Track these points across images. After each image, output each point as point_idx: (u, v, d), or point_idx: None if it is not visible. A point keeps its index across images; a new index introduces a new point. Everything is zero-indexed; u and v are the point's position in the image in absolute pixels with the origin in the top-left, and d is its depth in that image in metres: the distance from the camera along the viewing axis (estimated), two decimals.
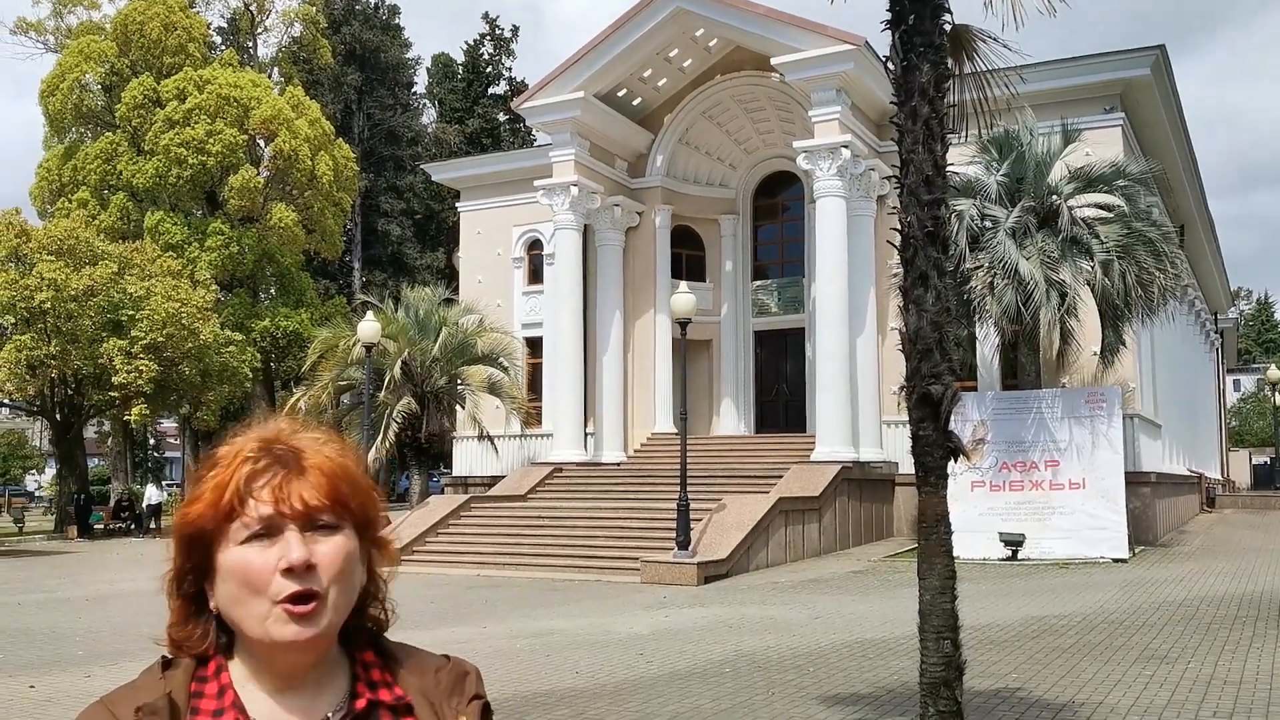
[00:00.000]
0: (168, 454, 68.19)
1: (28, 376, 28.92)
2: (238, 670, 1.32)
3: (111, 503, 37.18)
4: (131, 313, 29.48)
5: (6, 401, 32.71)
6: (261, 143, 41.80)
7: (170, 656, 1.34)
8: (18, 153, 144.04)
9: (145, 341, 29.17)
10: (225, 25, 51.27)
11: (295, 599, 1.24)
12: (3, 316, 28.86)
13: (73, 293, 28.37)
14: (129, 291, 29.69)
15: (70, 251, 29.62)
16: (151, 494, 34.19)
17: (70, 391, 32.40)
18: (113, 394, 30.43)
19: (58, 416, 33.18)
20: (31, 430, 70.38)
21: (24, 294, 27.98)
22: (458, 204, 35.09)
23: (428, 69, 61.46)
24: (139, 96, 39.37)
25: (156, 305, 29.57)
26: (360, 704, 1.33)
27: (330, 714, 1.32)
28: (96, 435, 53.69)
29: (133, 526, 33.56)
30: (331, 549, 1.27)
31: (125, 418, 34.47)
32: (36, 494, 61.36)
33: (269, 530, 1.26)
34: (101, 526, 33.42)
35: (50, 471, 60.71)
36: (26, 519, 38.43)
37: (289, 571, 1.24)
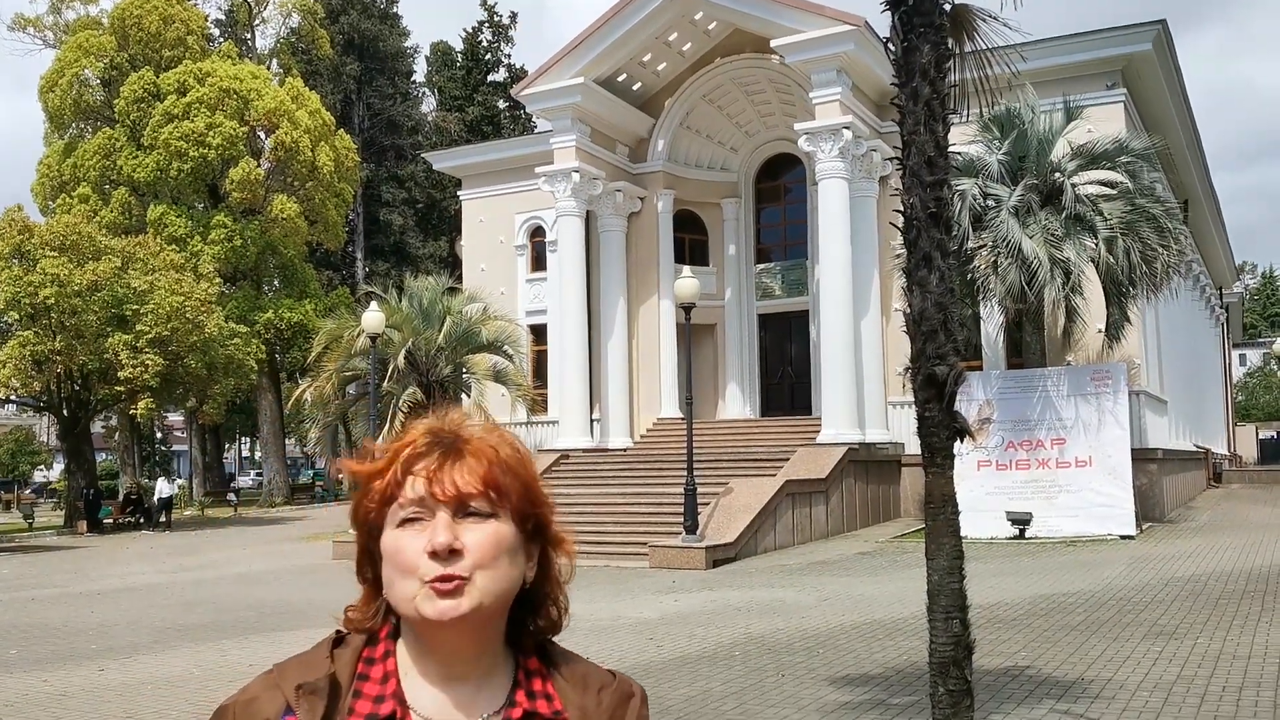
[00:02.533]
0: (175, 447, 68.39)
1: (33, 372, 29.02)
2: (403, 657, 1.33)
3: (120, 497, 37.32)
4: (136, 307, 29.53)
5: (13, 397, 32.78)
6: (262, 135, 41.79)
7: (344, 631, 1.36)
8: (18, 149, 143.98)
9: (150, 335, 29.23)
10: (223, 17, 51.22)
11: (440, 579, 1.24)
12: (7, 313, 28.92)
13: (76, 288, 28.42)
14: (133, 286, 29.73)
15: (73, 247, 29.66)
16: (162, 487, 34.29)
17: (76, 387, 32.48)
18: (119, 388, 30.51)
19: (64, 412, 33.28)
20: (39, 425, 70.59)
21: (28, 290, 28.04)
22: (459, 192, 35.06)
23: (427, 57, 61.37)
24: (138, 90, 39.35)
25: (160, 299, 29.62)
26: (516, 713, 1.31)
27: (486, 715, 1.31)
28: (104, 430, 53.86)
29: (142, 520, 33.66)
30: (481, 535, 1.27)
31: (132, 412, 34.60)
32: (48, 487, 61.51)
33: (422, 513, 1.27)
34: (111, 521, 33.53)
35: (58, 467, 60.92)
36: (36, 514, 38.57)
37: (434, 555, 1.24)
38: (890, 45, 6.15)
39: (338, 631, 1.36)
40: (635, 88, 28.95)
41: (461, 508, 1.27)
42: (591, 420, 27.98)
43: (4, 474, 62.96)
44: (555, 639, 1.41)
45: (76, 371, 30.83)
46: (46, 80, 41.43)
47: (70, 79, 40.65)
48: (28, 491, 57.63)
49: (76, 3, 46.84)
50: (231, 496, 43.26)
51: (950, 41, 6.26)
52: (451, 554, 1.25)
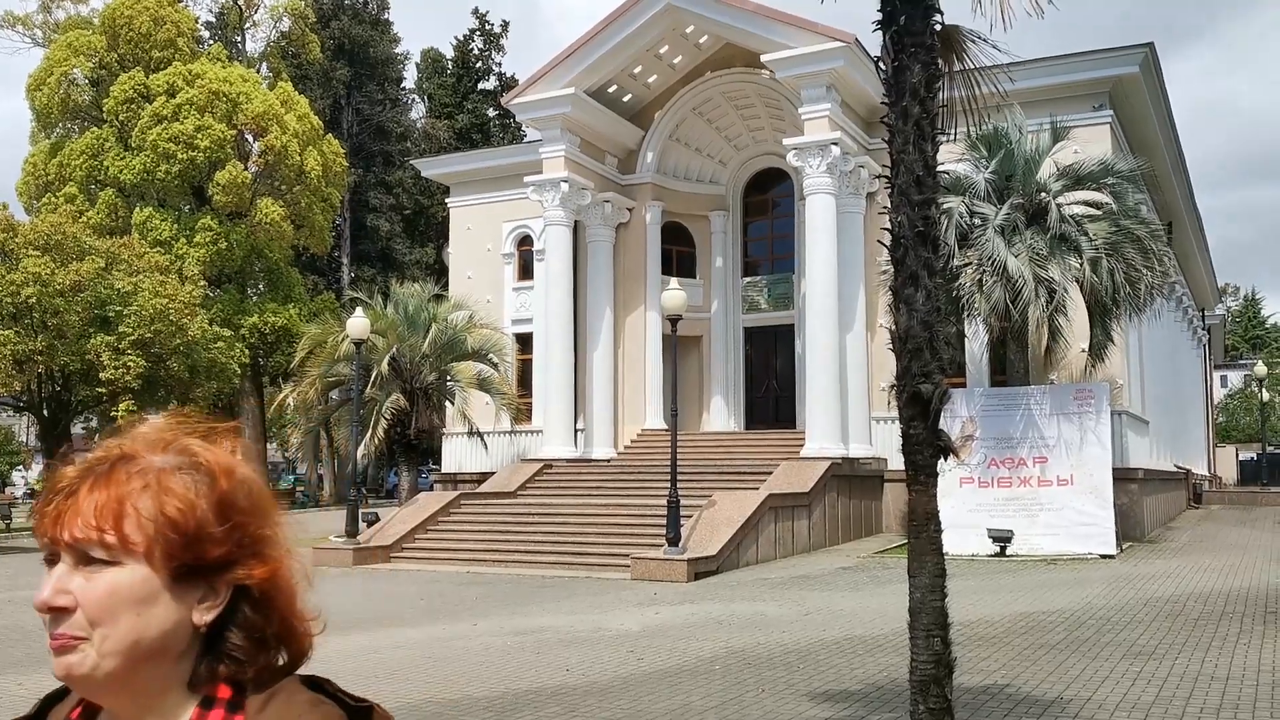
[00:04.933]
0: None
1: (14, 372, 28.78)
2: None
3: None
4: (119, 308, 29.34)
5: None
6: (250, 138, 41.66)
7: (58, 691, 1.25)
8: (3, 147, 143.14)
9: (133, 337, 29.03)
10: (213, 20, 51.11)
11: (53, 638, 1.12)
12: None
13: (59, 288, 28.22)
14: (116, 287, 29.55)
15: (57, 247, 29.45)
16: None
17: (58, 387, 32.23)
18: (100, 390, 30.28)
19: (45, 412, 33.01)
20: (18, 426, 70.03)
21: (10, 289, 27.82)
22: (447, 200, 35.03)
23: (417, 64, 61.41)
24: (128, 91, 39.19)
25: (144, 301, 29.44)
26: None
27: None
28: (84, 431, 53.48)
29: None
30: (94, 588, 1.11)
31: (113, 414, 34.27)
32: (26, 491, 60.97)
33: (52, 557, 1.15)
34: None
35: (37, 468, 60.43)
36: (14, 516, 38.22)
37: (40, 609, 1.12)
38: (881, 64, 6.19)
39: (63, 686, 1.22)
40: (625, 99, 29.01)
41: (82, 555, 1.12)
42: (576, 430, 27.96)
43: None
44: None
45: (58, 372, 30.59)
46: (34, 79, 41.21)
47: (59, 78, 40.45)
48: (7, 490, 57.10)
49: (67, 2, 46.70)
50: None
51: (940, 62, 6.30)
52: (59, 612, 1.11)
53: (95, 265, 29.24)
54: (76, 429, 41.73)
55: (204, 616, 1.16)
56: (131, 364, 28.85)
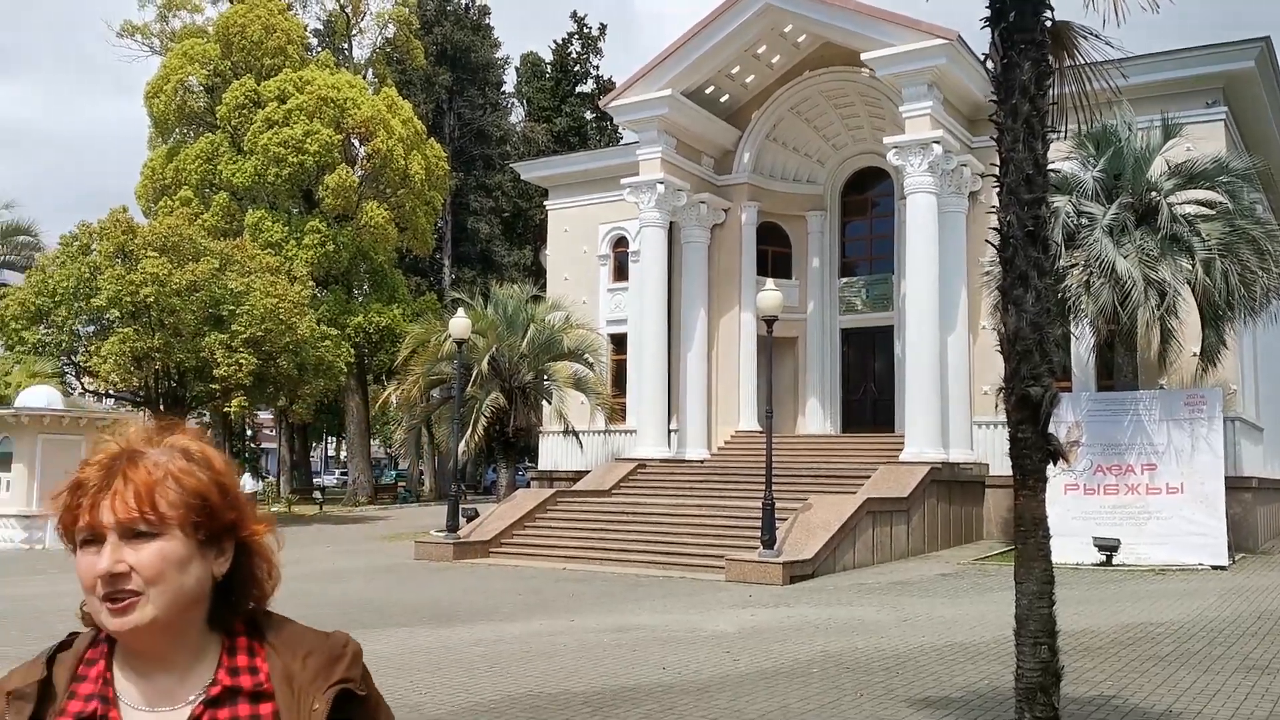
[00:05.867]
0: (264, 445, 70.03)
1: (132, 369, 30.03)
2: (119, 656, 1.47)
3: None
4: (232, 308, 30.40)
5: (112, 392, 33.93)
6: (356, 142, 42.73)
7: (65, 639, 1.51)
8: (123, 153, 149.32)
9: (245, 336, 30.05)
10: (321, 27, 52.48)
11: (111, 599, 1.39)
12: (109, 310, 29.96)
13: (176, 288, 29.36)
14: (229, 287, 30.62)
15: (174, 248, 30.65)
16: (247, 483, 35.19)
17: (173, 384, 33.52)
18: (213, 386, 31.42)
19: (161, 407, 34.34)
20: (134, 420, 72.80)
21: (130, 289, 29.05)
22: (545, 202, 35.46)
23: (516, 68, 62.17)
24: (240, 97, 40.52)
25: (256, 301, 30.45)
26: (215, 690, 1.44)
27: (191, 698, 1.43)
28: (197, 426, 55.34)
29: None
30: (146, 555, 1.39)
31: (225, 410, 35.52)
32: None
33: (94, 538, 1.41)
34: None
35: None
36: None
37: (103, 577, 1.39)
38: (990, 62, 6.11)
39: (58, 643, 1.51)
40: (722, 99, 29.00)
41: (127, 531, 1.40)
42: (669, 430, 28.04)
43: None
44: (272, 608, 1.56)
45: (174, 369, 31.82)
46: (152, 86, 42.86)
47: (175, 85, 42.01)
48: None
49: (183, 11, 48.42)
50: (317, 495, 44.21)
51: (1050, 58, 6.19)
52: (120, 576, 1.38)
53: (210, 266, 30.33)
54: (190, 424, 43.27)
55: (220, 569, 1.48)
56: (243, 361, 29.85)
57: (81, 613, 1.48)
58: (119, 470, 1.43)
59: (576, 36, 61.14)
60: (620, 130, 34.34)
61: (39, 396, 25.86)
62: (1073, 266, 19.95)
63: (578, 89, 60.98)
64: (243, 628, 1.51)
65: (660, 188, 27.25)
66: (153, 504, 1.40)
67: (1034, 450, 5.64)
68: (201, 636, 1.47)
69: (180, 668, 1.45)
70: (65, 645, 1.50)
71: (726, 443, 28.63)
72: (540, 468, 32.57)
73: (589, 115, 59.26)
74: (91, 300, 29.54)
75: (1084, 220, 20.63)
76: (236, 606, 1.51)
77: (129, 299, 29.13)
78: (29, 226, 35.12)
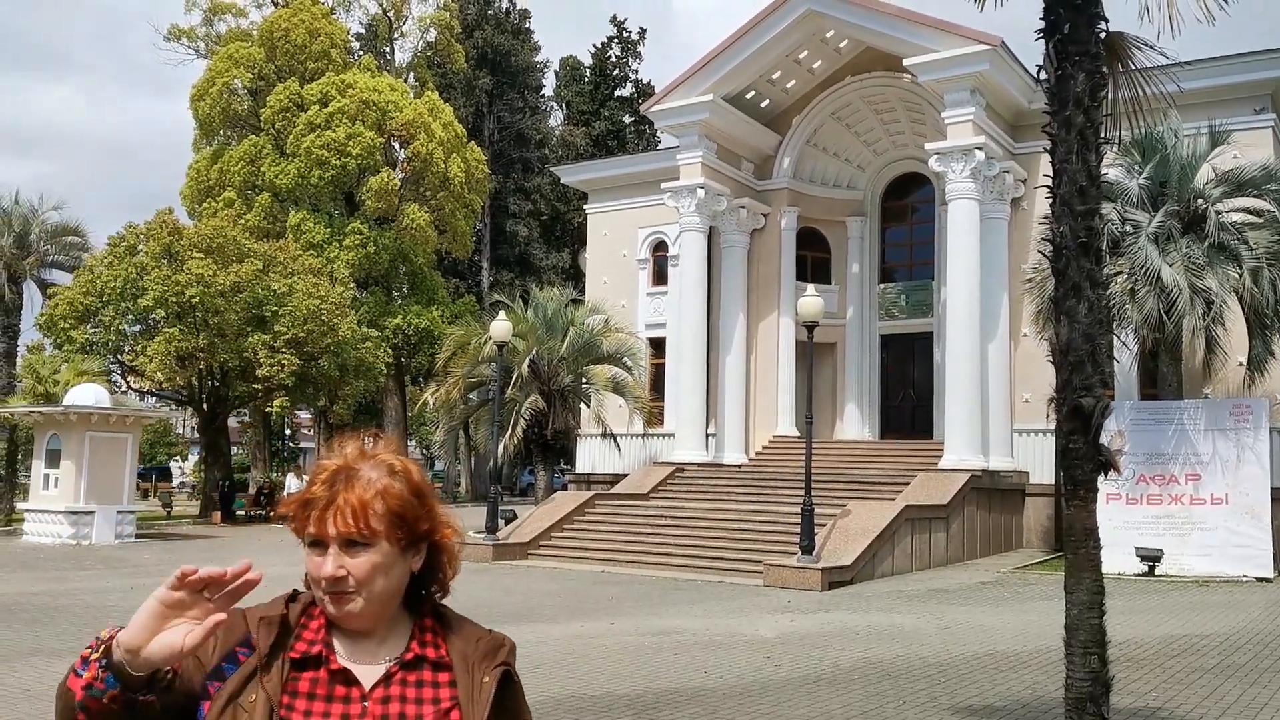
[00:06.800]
0: (303, 444, 70.74)
1: (177, 368, 30.47)
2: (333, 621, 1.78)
3: (252, 490, 38.85)
4: (274, 308, 30.76)
5: (157, 391, 34.44)
6: (397, 145, 43.10)
7: (299, 591, 1.82)
8: (168, 154, 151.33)
9: (287, 336, 30.40)
10: (364, 31, 52.94)
11: (333, 594, 1.71)
12: (156, 310, 30.42)
13: (220, 288, 29.76)
14: (272, 288, 31.00)
15: (219, 249, 31.06)
16: (291, 484, 35.59)
17: (216, 383, 33.98)
18: (256, 386, 31.82)
19: (204, 406, 34.83)
20: (178, 419, 73.80)
21: (175, 289, 29.48)
22: (584, 205, 35.61)
23: (556, 72, 62.38)
24: (283, 100, 40.98)
25: (298, 302, 30.81)
26: (408, 655, 1.77)
27: (389, 659, 1.76)
28: (238, 425, 56.10)
29: (272, 514, 35.01)
30: (361, 564, 1.71)
31: (267, 409, 35.93)
32: (181, 481, 64.16)
33: (319, 543, 1.72)
34: (243, 513, 34.94)
35: (193, 458, 63.59)
36: (174, 504, 40.42)
37: (327, 579, 1.70)
38: (1043, 73, 6.11)
39: (294, 590, 1.82)
40: (763, 104, 29.01)
41: (345, 542, 1.70)
42: (707, 435, 28.07)
43: (144, 464, 65.95)
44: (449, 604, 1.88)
45: (217, 368, 32.26)
46: (198, 89, 43.42)
47: (220, 88, 42.54)
48: (177, 484, 60.22)
49: (228, 15, 49.04)
50: None
51: (1104, 70, 6.19)
52: (340, 579, 1.70)
53: (254, 267, 30.72)
54: (232, 422, 43.86)
55: (416, 565, 1.80)
56: (286, 362, 30.20)
57: (306, 584, 1.78)
58: (340, 488, 1.73)
59: (616, 40, 61.30)
60: (659, 134, 34.44)
61: (87, 395, 26.27)
62: (1117, 275, 19.79)
63: (617, 93, 61.12)
64: (430, 614, 1.83)
65: (700, 192, 27.30)
66: (366, 521, 1.70)
67: (1085, 461, 5.64)
68: (397, 616, 1.80)
69: (378, 638, 1.77)
70: (293, 598, 1.81)
71: (764, 447, 28.62)
72: (578, 470, 32.70)
73: (628, 119, 59.39)
74: (138, 300, 30.01)
75: (1129, 228, 20.46)
76: (425, 592, 1.84)
77: (174, 299, 29.56)
78: (77, 227, 35.61)
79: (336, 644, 1.76)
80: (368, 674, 1.74)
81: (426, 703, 1.74)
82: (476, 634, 1.84)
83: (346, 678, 1.73)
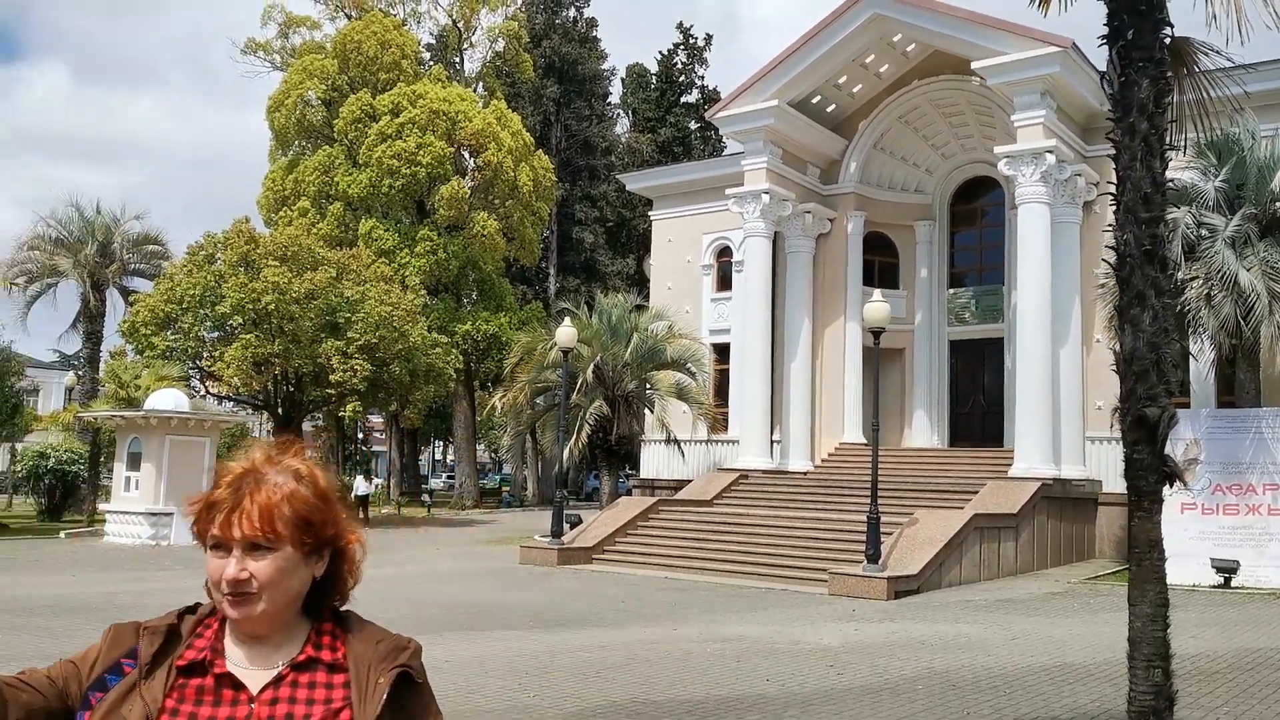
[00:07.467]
0: (374, 448, 71.86)
1: (253, 373, 31.22)
2: (229, 626, 1.83)
3: None
4: (348, 315, 31.38)
5: (234, 396, 35.29)
6: (466, 154, 43.69)
7: (192, 605, 1.88)
8: (245, 165, 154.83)
9: (360, 342, 30.99)
10: (434, 42, 53.73)
11: (233, 596, 1.75)
12: (233, 317, 31.20)
13: (295, 296, 30.44)
14: (345, 295, 31.62)
15: (293, 258, 31.78)
16: (360, 485, 36.24)
17: (291, 388, 34.71)
18: (329, 391, 32.46)
19: (280, 410, 35.60)
20: (254, 423, 75.44)
21: (252, 296, 30.22)
22: (649, 212, 35.74)
23: (622, 79, 62.71)
24: (356, 111, 41.80)
25: (370, 308, 31.39)
26: (300, 657, 1.81)
27: (282, 663, 1.79)
28: (312, 429, 57.19)
29: None
30: (264, 566, 1.75)
31: (340, 413, 36.59)
32: None
33: (222, 545, 1.76)
34: None
35: None
36: None
37: (229, 580, 1.75)
38: (1107, 79, 6.06)
39: (195, 603, 1.89)
40: (829, 109, 28.87)
41: (249, 545, 1.74)
42: (772, 441, 27.98)
43: None
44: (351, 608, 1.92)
45: (292, 373, 32.96)
46: (273, 100, 44.49)
47: (295, 100, 43.55)
48: None
49: (302, 28, 50.15)
50: (426, 497, 45.24)
51: (1169, 76, 6.12)
52: (242, 581, 1.74)
53: (327, 275, 31.38)
54: (306, 426, 44.76)
55: (319, 571, 1.84)
56: (358, 367, 30.78)
57: (208, 590, 1.81)
58: (245, 491, 1.76)
59: (682, 47, 61.45)
60: (724, 140, 34.44)
61: (167, 399, 27.04)
62: (1192, 280, 19.37)
63: (682, 99, 61.25)
64: (330, 619, 1.87)
65: (765, 198, 27.26)
66: (271, 525, 1.74)
67: (1150, 472, 5.58)
68: (294, 621, 1.83)
69: (275, 642, 1.81)
70: (191, 610, 1.87)
71: (830, 454, 28.44)
72: (642, 476, 32.80)
73: (693, 125, 59.48)
74: (216, 307, 30.81)
75: (1204, 232, 20.01)
76: (325, 598, 1.87)
77: (251, 306, 30.30)
78: (157, 236, 36.69)
79: (232, 650, 1.80)
80: (259, 677, 1.77)
81: (318, 703, 1.76)
82: (378, 636, 1.85)
83: (234, 682, 1.76)
